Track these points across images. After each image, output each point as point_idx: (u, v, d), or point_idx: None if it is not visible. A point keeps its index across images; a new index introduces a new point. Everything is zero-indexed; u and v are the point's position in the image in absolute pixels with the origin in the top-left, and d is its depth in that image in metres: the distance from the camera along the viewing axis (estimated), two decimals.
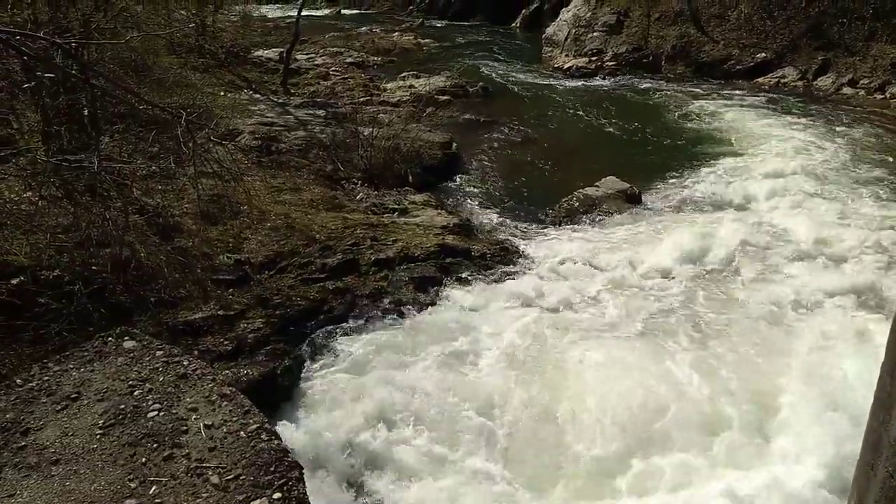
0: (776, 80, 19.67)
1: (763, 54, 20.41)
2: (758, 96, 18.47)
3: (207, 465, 3.56)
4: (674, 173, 12.99)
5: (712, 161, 13.53)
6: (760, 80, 19.94)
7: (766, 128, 15.37)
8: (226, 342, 6.79)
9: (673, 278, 8.87)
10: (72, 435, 3.70)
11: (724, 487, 5.57)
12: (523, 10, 32.99)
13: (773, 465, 5.83)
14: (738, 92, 19.15)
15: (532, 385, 6.72)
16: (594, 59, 23.10)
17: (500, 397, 6.59)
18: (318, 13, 41.03)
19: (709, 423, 6.27)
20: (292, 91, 18.21)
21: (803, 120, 15.94)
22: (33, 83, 7.56)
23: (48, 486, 3.36)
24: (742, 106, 17.52)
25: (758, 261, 9.28)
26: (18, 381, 4.07)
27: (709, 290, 8.57)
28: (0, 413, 3.80)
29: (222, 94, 15.12)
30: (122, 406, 3.92)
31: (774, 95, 18.52)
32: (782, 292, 8.41)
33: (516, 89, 20.55)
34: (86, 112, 8.08)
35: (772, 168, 12.72)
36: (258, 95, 16.78)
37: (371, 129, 12.84)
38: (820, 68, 19.29)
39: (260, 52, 21.96)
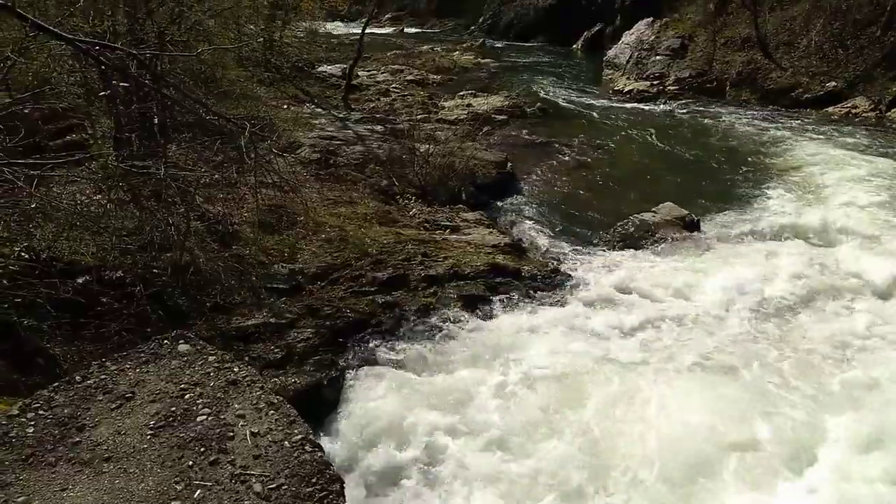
0: (847, 109, 18.98)
1: (833, 83, 19.75)
2: (827, 126, 17.85)
3: (251, 472, 3.60)
4: (735, 202, 12.62)
5: (776, 191, 13.11)
6: (830, 109, 19.26)
7: (834, 158, 14.80)
8: (276, 350, 6.89)
9: (730, 311, 8.57)
10: (124, 434, 3.79)
11: None
12: (585, 33, 32.90)
13: None
14: (806, 121, 18.57)
15: (581, 413, 6.58)
16: (656, 82, 22.78)
17: (546, 423, 6.47)
18: (382, 31, 41.81)
19: (760, 464, 6.02)
20: (353, 106, 18.55)
21: (875, 151, 15.30)
22: (108, 91, 7.90)
23: (99, 483, 3.45)
24: (810, 135, 16.96)
25: (821, 296, 8.90)
26: (78, 377, 4.20)
27: (768, 325, 8.26)
28: (59, 408, 3.93)
29: (285, 107, 15.51)
30: (174, 408, 4.00)
31: (845, 125, 17.86)
32: (847, 331, 8.05)
33: (574, 111, 20.43)
34: (155, 120, 8.38)
35: (840, 200, 12.21)
36: (320, 109, 17.15)
37: (427, 146, 12.95)
38: (894, 99, 18.53)
39: (323, 68, 22.48)
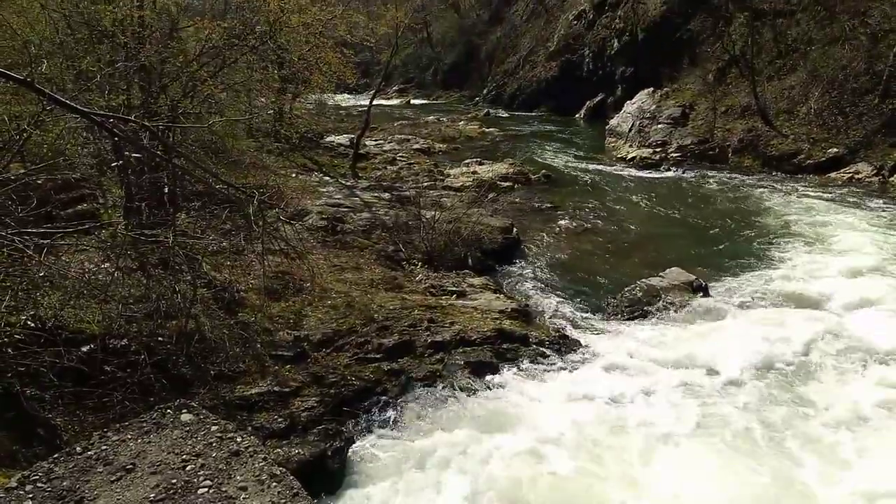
0: (850, 175, 19.15)
1: (835, 149, 20.01)
2: (830, 191, 17.98)
3: None
4: (742, 267, 12.59)
5: (783, 256, 13.09)
6: (832, 175, 19.45)
7: (839, 223, 14.85)
8: (279, 419, 6.77)
9: (741, 379, 8.40)
10: None
11: None
12: (587, 102, 33.71)
13: None
14: (809, 186, 18.72)
15: (592, 486, 6.38)
16: (658, 149, 23.14)
17: (559, 496, 6.27)
18: (389, 102, 42.98)
19: None
20: (360, 174, 18.88)
21: (880, 217, 15.35)
22: (121, 162, 8.08)
23: None
24: (814, 200, 17.07)
25: (831, 365, 8.74)
26: (78, 448, 4.12)
27: (778, 394, 8.08)
28: (58, 480, 3.83)
29: (294, 175, 15.78)
30: (174, 480, 3.90)
31: (848, 191, 17.98)
32: (857, 400, 7.86)
33: (578, 177, 20.70)
34: (166, 189, 8.53)
35: (847, 266, 12.16)
36: (328, 178, 17.46)
37: (433, 213, 13.09)
38: None
39: (332, 138, 23.01)
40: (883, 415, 7.60)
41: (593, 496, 6.24)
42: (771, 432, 7.24)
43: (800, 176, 19.90)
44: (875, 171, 18.85)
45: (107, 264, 7.54)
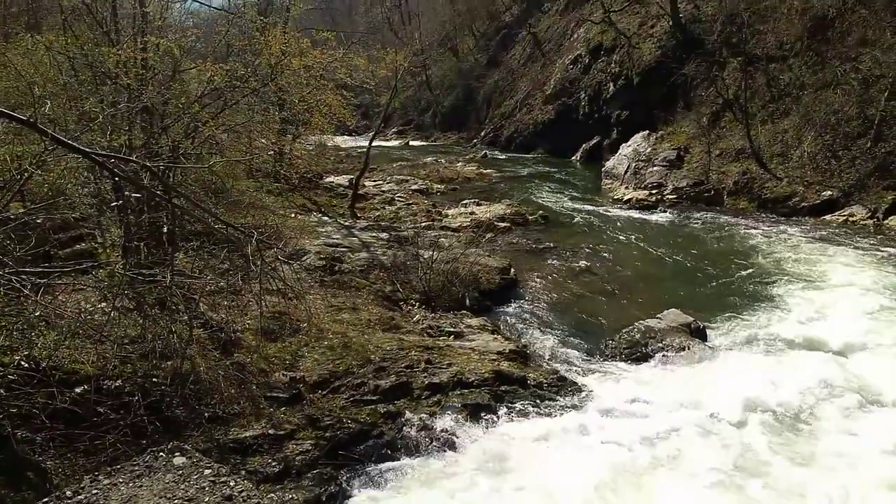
0: (844, 217, 19.30)
1: (829, 192, 20.19)
2: (825, 233, 18.08)
3: None
4: (740, 309, 12.57)
5: (780, 297, 13.08)
6: (827, 217, 19.59)
7: (835, 266, 14.89)
8: (273, 463, 6.66)
9: (741, 424, 8.31)
10: None
11: None
12: (583, 145, 34.10)
13: None
14: (805, 228, 18.82)
15: None
16: (654, 191, 23.33)
17: None
18: (388, 144, 43.46)
19: None
20: (359, 215, 18.97)
21: (875, 258, 15.41)
22: (121, 202, 8.11)
23: None
24: (810, 243, 17.14)
25: (833, 409, 8.65)
26: (69, 492, 4.05)
27: (779, 440, 7.98)
28: None
29: (293, 215, 15.84)
30: None
31: (843, 233, 18.09)
32: (861, 446, 7.77)
33: (575, 219, 20.81)
34: (165, 229, 8.55)
35: (844, 307, 12.16)
36: (326, 218, 17.54)
37: (431, 253, 13.11)
38: (890, 207, 18.86)
39: (331, 178, 23.19)
40: (879, 464, 7.51)
41: None
42: (769, 479, 7.14)
43: (795, 218, 20.03)
44: (869, 214, 19.00)
45: (103, 304, 7.52)
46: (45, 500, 3.97)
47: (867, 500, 6.79)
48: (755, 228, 18.93)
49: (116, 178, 7.57)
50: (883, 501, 6.80)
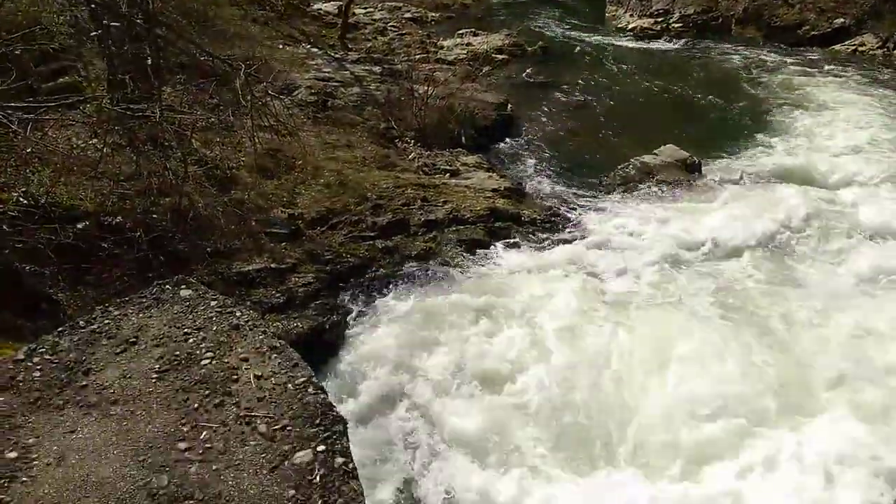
0: (854, 47, 18.55)
1: (841, 20, 19.25)
2: (833, 64, 17.45)
3: (256, 414, 3.67)
4: (738, 143, 12.48)
5: (780, 131, 12.94)
6: (837, 47, 18.82)
7: (840, 98, 14.55)
8: (277, 295, 6.95)
9: (730, 254, 8.62)
10: (129, 377, 3.85)
11: None
12: None
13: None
14: (812, 59, 18.16)
15: (581, 353, 6.71)
16: (660, 20, 22.20)
17: (543, 362, 6.60)
18: None
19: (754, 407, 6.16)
20: (349, 46, 18.13)
21: (882, 92, 15.04)
22: (100, 31, 7.71)
23: (107, 425, 3.53)
24: (817, 74, 16.61)
25: (823, 240, 8.94)
26: (81, 322, 4.23)
27: (767, 268, 8.32)
28: (64, 353, 3.97)
29: (281, 47, 15.17)
30: (177, 352, 4.05)
31: (851, 64, 17.48)
32: (846, 274, 8.12)
33: (576, 50, 19.97)
34: (149, 62, 8.22)
35: (844, 142, 12.07)
36: (316, 50, 16.77)
37: (426, 88, 12.72)
38: None
39: (319, 5, 21.87)
40: (863, 291, 7.88)
41: (557, 359, 6.58)
42: (751, 307, 7.52)
43: (802, 48, 19.25)
44: (880, 44, 18.25)
45: (94, 140, 7.41)
46: (60, 329, 4.17)
47: (843, 326, 7.21)
48: (761, 59, 18.24)
49: (93, 5, 7.14)
50: (859, 324, 7.22)
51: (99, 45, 8.16)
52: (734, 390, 6.21)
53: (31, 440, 3.39)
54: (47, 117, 6.73)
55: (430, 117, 12.17)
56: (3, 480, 3.18)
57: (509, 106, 13.90)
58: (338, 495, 3.25)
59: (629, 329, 7.05)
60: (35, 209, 5.88)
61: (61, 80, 8.89)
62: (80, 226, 6.50)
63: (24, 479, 3.21)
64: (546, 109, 14.54)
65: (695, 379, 6.33)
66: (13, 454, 3.31)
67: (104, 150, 6.91)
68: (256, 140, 7.66)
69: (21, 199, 5.92)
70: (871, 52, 18.20)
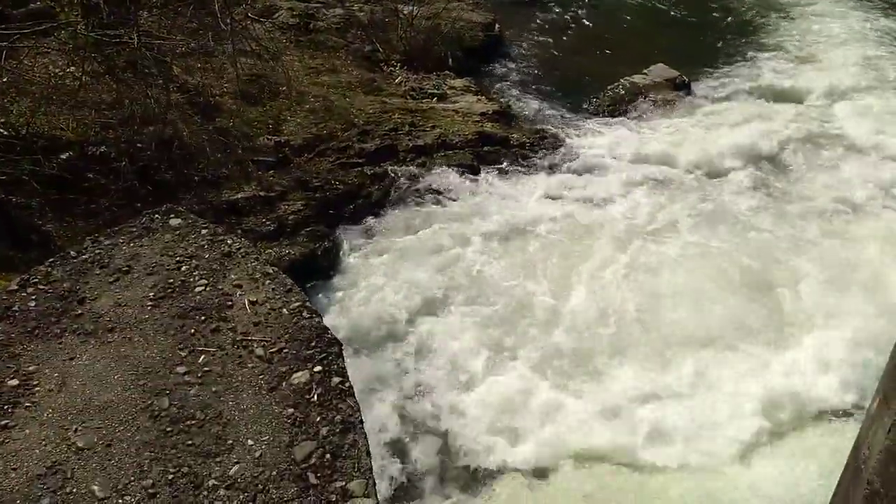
0: None
1: None
2: None
3: (252, 338, 3.76)
4: (730, 60, 12.25)
5: (773, 48, 12.69)
6: None
7: (835, 12, 14.24)
8: (268, 222, 6.96)
9: (717, 174, 8.69)
10: (125, 305, 3.91)
11: None
12: None
13: None
14: None
15: (568, 269, 6.88)
16: None
17: (533, 279, 6.75)
18: None
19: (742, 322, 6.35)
20: None
21: (879, 5, 14.72)
22: None
23: (105, 352, 3.61)
24: None
25: (812, 158, 8.98)
26: (72, 252, 4.26)
27: (757, 187, 8.42)
28: (57, 283, 4.01)
29: None
30: (171, 280, 4.10)
31: None
32: (836, 191, 8.26)
33: None
34: None
35: (838, 58, 11.90)
36: None
37: (411, 8, 12.33)
38: None
39: None
40: (852, 208, 8.02)
41: (547, 279, 6.76)
42: (741, 226, 7.64)
43: None
44: None
45: (72, 68, 7.21)
46: (52, 259, 4.19)
47: (827, 247, 7.36)
48: None
49: None
50: (843, 238, 7.40)
51: None
52: (729, 313, 6.40)
53: (31, 367, 3.47)
54: (21, 45, 6.54)
55: (415, 39, 11.85)
56: (7, 406, 3.27)
57: (497, 26, 13.52)
58: (335, 412, 3.38)
59: (616, 245, 7.20)
60: (17, 140, 5.78)
61: (32, 5, 8.56)
62: (63, 156, 6.42)
63: (28, 404, 3.30)
64: (535, 29, 14.17)
65: (689, 303, 6.50)
66: (14, 381, 3.39)
67: (83, 79, 6.74)
68: (238, 66, 7.48)
69: (1, 130, 5.82)
70: None
